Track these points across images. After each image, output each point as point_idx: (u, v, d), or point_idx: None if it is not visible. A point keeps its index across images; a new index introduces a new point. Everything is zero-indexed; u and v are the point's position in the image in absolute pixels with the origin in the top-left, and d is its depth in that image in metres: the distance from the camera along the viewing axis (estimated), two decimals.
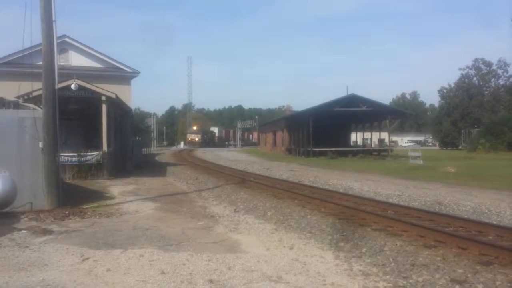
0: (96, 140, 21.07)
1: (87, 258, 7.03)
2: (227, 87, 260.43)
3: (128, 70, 30.72)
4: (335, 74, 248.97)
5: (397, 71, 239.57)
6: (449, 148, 79.15)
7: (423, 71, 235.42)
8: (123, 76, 30.43)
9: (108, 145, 20.76)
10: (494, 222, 10.02)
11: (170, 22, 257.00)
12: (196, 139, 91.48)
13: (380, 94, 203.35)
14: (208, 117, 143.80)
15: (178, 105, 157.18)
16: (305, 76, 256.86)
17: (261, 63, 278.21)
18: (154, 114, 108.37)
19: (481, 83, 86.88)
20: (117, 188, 16.98)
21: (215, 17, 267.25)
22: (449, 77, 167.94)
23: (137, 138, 42.36)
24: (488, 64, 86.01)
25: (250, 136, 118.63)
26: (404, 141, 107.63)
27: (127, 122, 29.12)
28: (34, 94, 16.46)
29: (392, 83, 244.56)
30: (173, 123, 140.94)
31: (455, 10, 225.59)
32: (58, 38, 12.89)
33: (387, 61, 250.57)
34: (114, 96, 20.90)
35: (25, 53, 19.59)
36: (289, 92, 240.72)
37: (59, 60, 14.44)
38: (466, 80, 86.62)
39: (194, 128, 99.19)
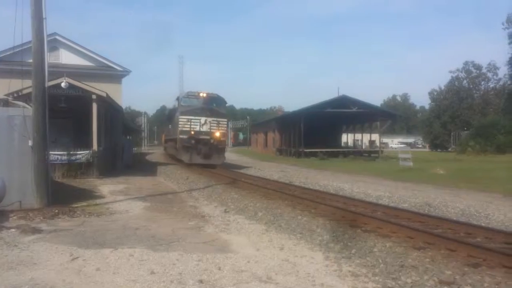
0: (86, 138, 20.93)
1: (76, 258, 7.00)
2: (219, 87, 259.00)
3: (119, 68, 30.64)
4: (327, 75, 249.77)
5: (388, 72, 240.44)
6: (439, 150, 79.63)
7: (413, 73, 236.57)
8: (114, 75, 30.36)
9: (98, 144, 20.64)
10: (483, 224, 10.13)
11: (161, 21, 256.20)
12: (217, 134, 27.23)
13: (371, 95, 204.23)
14: None
15: (170, 105, 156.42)
16: (297, 77, 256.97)
17: (253, 63, 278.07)
18: (145, 113, 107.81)
19: (471, 86, 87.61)
20: (107, 187, 16.89)
21: (206, 17, 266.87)
22: (440, 80, 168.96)
23: (128, 137, 42.19)
24: (478, 67, 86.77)
25: (241, 136, 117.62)
26: (394, 142, 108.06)
27: (118, 121, 29.00)
28: (24, 92, 16.34)
29: (383, 85, 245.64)
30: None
31: (447, 12, 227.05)
32: (48, 36, 12.80)
33: (378, 62, 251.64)
34: (104, 94, 20.79)
35: (15, 51, 19.41)
36: (280, 92, 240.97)
37: (50, 58, 14.37)
38: (456, 82, 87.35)
39: (203, 95, 27.83)
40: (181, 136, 26.69)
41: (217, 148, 26.82)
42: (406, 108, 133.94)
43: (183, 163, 27.68)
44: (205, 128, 26.65)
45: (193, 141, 26.30)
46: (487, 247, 7.38)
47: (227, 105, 29.18)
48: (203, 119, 26.63)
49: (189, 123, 26.54)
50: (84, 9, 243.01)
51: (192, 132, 26.36)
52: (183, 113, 27.05)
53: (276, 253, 7.44)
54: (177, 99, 29.48)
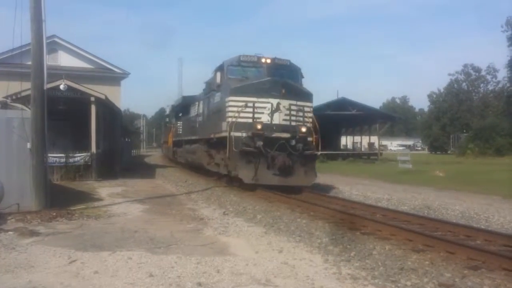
0: (85, 141, 20.92)
1: (75, 260, 6.96)
2: None
3: (118, 71, 30.65)
4: (326, 77, 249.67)
5: (387, 75, 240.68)
6: (438, 152, 79.80)
7: (413, 75, 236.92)
8: (113, 77, 30.36)
9: (97, 146, 20.62)
10: (482, 227, 10.11)
11: (160, 24, 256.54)
12: (304, 130, 15.45)
13: (371, 98, 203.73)
14: None
15: (165, 106, 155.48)
16: None
17: None
18: (144, 115, 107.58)
19: (470, 88, 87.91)
20: (105, 189, 16.86)
21: (206, 19, 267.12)
22: (439, 82, 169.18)
23: (127, 140, 42.09)
24: (477, 70, 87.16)
25: None
26: (393, 145, 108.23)
27: (116, 123, 28.96)
28: (23, 94, 16.32)
29: (382, 88, 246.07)
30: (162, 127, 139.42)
31: (446, 15, 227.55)
32: (47, 38, 12.82)
33: (377, 65, 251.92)
34: (103, 97, 20.78)
35: (14, 53, 19.50)
36: None
37: (49, 60, 14.35)
38: (455, 85, 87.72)
39: (267, 61, 16.20)
40: (235, 134, 15.00)
41: (304, 156, 15.29)
42: (405, 110, 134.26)
43: (180, 166, 23.94)
44: (278, 119, 15.23)
45: (259, 143, 14.61)
46: (486, 249, 7.38)
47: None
48: (275, 102, 15.14)
49: (250, 109, 15.14)
50: (83, 11, 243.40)
51: (258, 126, 14.78)
52: (235, 92, 15.46)
53: (275, 256, 7.41)
54: (219, 69, 17.35)
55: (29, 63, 11.70)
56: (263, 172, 14.79)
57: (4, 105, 19.16)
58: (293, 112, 15.45)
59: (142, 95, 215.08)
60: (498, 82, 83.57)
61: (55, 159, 18.77)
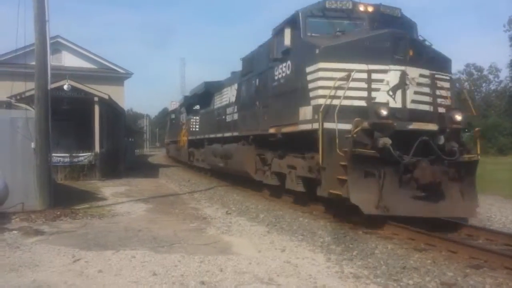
0: (89, 141, 21.01)
1: (79, 259, 7.01)
2: None
3: (121, 71, 30.71)
4: None
5: None
6: None
7: None
8: (116, 77, 30.42)
9: (101, 146, 20.71)
10: (484, 226, 10.11)
11: (163, 23, 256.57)
12: (458, 118, 9.05)
13: None
14: None
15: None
16: None
17: None
18: (147, 115, 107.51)
19: (473, 88, 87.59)
20: (109, 189, 16.93)
21: (207, 19, 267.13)
22: None
23: (130, 139, 42.19)
24: (479, 69, 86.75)
25: None
26: None
27: (120, 123, 29.05)
28: (27, 94, 16.37)
29: None
30: (166, 125, 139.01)
31: (448, 14, 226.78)
32: (51, 38, 12.86)
33: None
34: (107, 97, 20.86)
35: (18, 53, 19.55)
36: None
37: (52, 61, 14.40)
38: (457, 84, 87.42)
39: (369, 9, 10.43)
40: (339, 126, 8.70)
41: (458, 165, 9.19)
42: None
43: (183, 165, 24.75)
44: (412, 101, 9.29)
45: (384, 141, 8.43)
46: (488, 248, 7.40)
47: None
48: (399, 70, 9.10)
49: (358, 83, 9.13)
50: (86, 11, 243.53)
51: (383, 112, 8.55)
52: (329, 54, 9.47)
53: (277, 255, 7.44)
54: (289, 24, 11.25)
55: (33, 63, 11.77)
56: (395, 193, 8.77)
57: (8, 105, 19.25)
58: (437, 91, 9.69)
59: (145, 95, 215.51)
60: (500, 81, 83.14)
61: (59, 158, 18.87)
